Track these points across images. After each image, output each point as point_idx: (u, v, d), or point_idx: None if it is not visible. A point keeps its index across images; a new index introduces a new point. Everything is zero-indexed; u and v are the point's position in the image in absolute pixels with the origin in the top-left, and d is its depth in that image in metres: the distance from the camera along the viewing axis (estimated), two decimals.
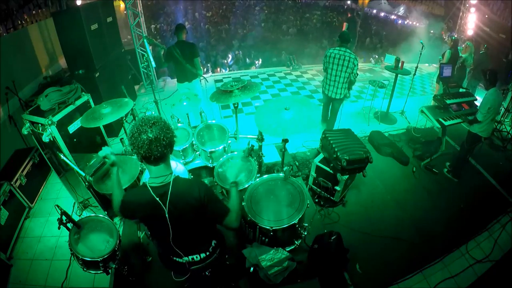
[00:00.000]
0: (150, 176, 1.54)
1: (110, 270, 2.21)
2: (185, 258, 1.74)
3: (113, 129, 4.64)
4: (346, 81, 4.10)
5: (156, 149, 1.39)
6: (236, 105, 3.12)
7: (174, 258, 1.76)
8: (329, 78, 4.16)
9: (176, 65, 4.40)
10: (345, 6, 17.47)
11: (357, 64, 4.00)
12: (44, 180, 4.01)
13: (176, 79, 4.64)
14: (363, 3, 15.42)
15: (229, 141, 3.29)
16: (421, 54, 5.14)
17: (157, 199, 1.50)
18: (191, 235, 1.70)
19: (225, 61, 10.35)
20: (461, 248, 3.17)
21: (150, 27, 12.46)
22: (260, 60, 10.52)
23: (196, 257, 1.76)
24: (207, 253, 1.80)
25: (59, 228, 2.09)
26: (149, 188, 1.51)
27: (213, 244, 1.83)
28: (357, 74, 4.14)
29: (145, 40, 4.50)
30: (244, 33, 12.99)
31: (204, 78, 4.67)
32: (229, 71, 9.32)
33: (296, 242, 2.63)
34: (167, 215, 1.52)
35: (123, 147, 3.30)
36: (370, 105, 5.56)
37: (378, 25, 14.91)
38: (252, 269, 2.34)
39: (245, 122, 5.15)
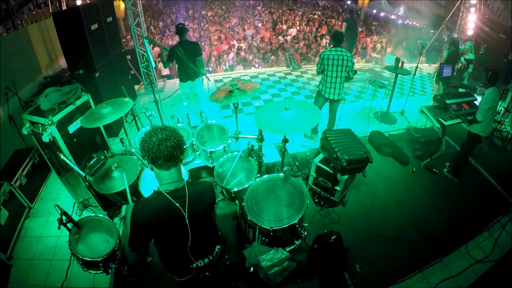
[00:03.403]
0: (162, 183, 1.50)
1: (110, 270, 2.21)
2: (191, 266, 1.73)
3: (113, 129, 4.64)
4: (344, 80, 4.19)
5: (165, 149, 1.37)
6: (236, 105, 3.12)
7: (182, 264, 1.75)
8: (330, 81, 4.17)
9: (179, 64, 4.41)
10: (345, 6, 17.47)
11: (354, 62, 4.13)
12: (44, 180, 4.01)
13: (175, 79, 4.65)
14: (363, 3, 15.40)
15: (229, 141, 3.29)
16: (421, 54, 5.15)
17: (177, 204, 1.46)
18: (204, 238, 1.69)
19: (226, 60, 10.30)
20: (461, 248, 3.17)
21: (150, 27, 12.45)
22: (261, 59, 10.48)
23: (200, 263, 1.75)
24: (211, 258, 1.79)
25: (59, 228, 2.08)
26: (165, 194, 1.46)
27: (216, 249, 1.83)
28: (356, 72, 4.22)
29: (145, 41, 4.51)
30: (244, 33, 12.97)
31: (207, 77, 4.68)
32: (231, 71, 9.29)
33: (296, 242, 2.62)
34: (187, 221, 1.50)
35: (123, 147, 3.30)
36: (370, 105, 5.56)
37: (378, 25, 14.88)
38: (252, 269, 2.34)
39: (245, 122, 5.15)
